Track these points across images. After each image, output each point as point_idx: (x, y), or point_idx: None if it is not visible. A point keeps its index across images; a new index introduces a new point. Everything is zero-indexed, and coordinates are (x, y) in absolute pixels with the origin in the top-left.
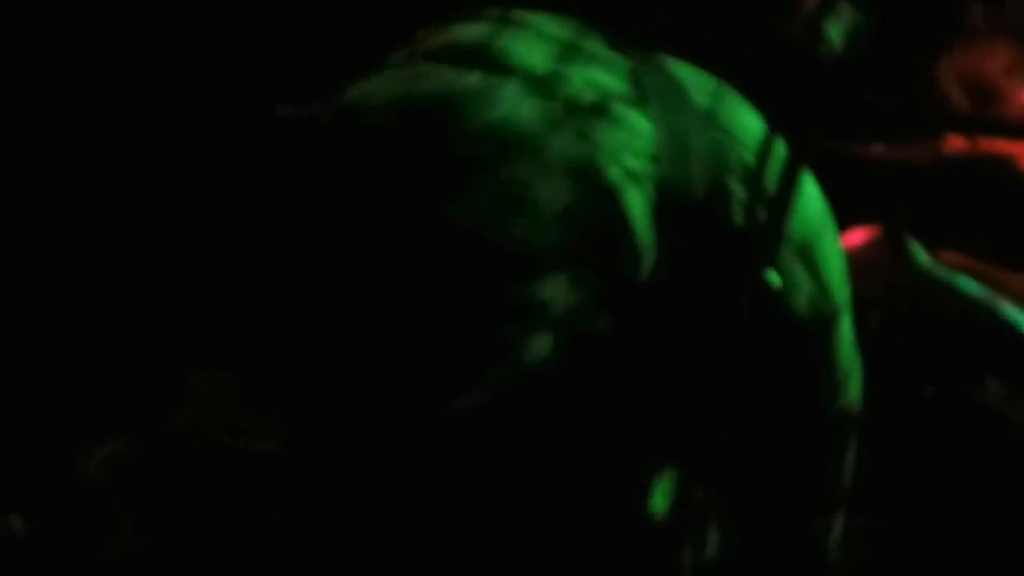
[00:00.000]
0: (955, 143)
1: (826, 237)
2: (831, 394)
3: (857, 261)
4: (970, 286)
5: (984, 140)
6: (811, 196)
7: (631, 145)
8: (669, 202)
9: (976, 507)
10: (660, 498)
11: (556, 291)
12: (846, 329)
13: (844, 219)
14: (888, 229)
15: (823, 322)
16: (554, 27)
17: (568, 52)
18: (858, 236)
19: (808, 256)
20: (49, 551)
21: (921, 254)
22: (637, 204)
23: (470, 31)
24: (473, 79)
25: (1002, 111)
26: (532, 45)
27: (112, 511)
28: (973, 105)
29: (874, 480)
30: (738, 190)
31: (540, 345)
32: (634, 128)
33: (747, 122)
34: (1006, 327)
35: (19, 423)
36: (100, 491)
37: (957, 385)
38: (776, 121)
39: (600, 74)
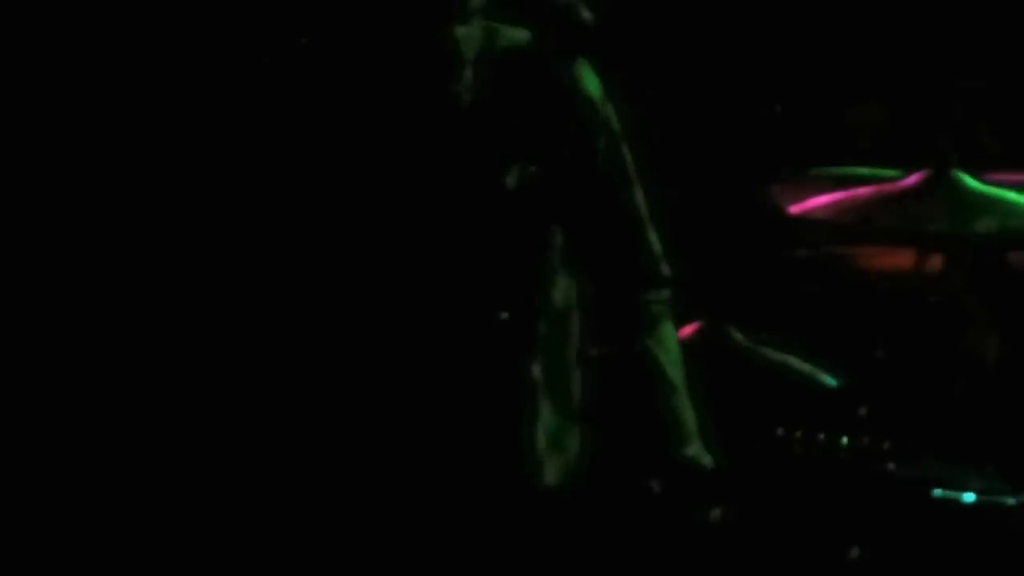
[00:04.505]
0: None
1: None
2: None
3: (689, 344)
4: (775, 355)
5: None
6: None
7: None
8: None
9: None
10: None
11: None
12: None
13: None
14: (707, 322)
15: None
16: None
17: None
18: (687, 329)
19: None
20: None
21: (737, 335)
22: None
23: None
24: None
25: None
26: None
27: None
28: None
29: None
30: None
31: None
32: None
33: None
34: (805, 378)
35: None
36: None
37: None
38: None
39: None
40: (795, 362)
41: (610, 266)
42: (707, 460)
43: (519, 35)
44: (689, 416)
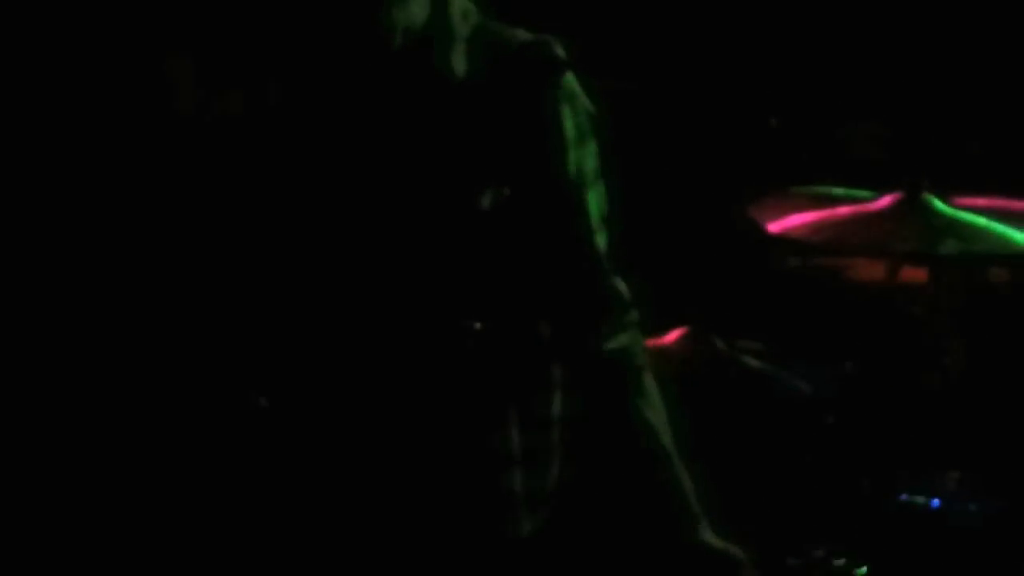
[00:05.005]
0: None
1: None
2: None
3: (672, 352)
4: (753, 363)
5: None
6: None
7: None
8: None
9: None
10: None
11: None
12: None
13: (667, 324)
14: (692, 329)
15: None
16: None
17: None
18: (673, 335)
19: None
20: None
21: (718, 343)
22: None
23: None
24: None
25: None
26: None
27: None
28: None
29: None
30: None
31: None
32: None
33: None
34: (780, 386)
35: None
36: None
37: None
38: None
39: None
40: (772, 369)
41: (573, 306)
42: (730, 549)
43: (513, 36)
44: (690, 489)
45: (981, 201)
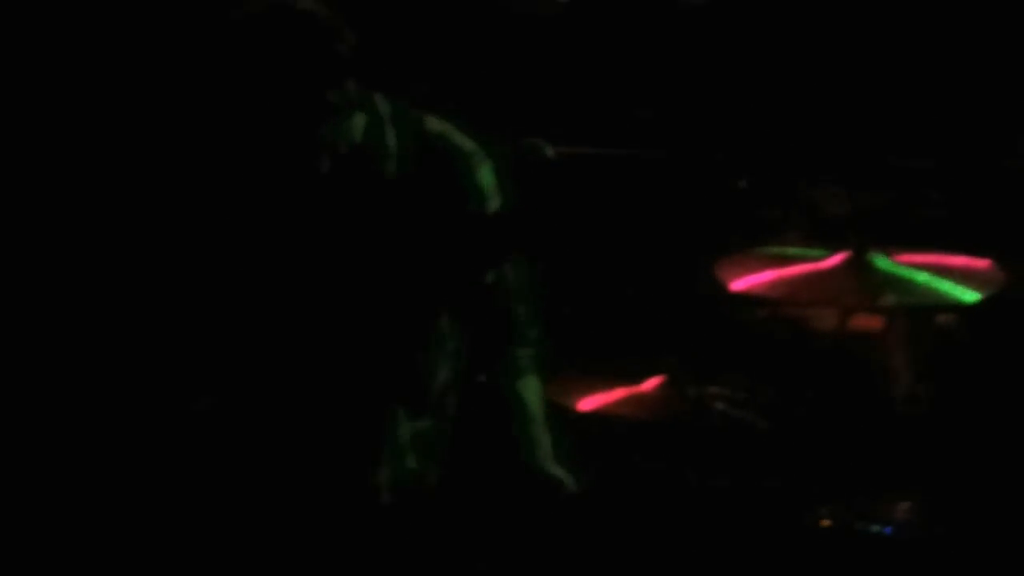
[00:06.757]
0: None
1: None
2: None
3: (650, 397)
4: (722, 404)
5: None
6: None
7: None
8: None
9: None
10: None
11: None
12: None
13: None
14: (667, 377)
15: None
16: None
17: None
18: (651, 383)
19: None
20: None
21: (693, 387)
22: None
23: None
24: None
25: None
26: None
27: None
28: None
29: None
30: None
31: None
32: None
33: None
34: (748, 424)
35: None
36: None
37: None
38: None
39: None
40: (737, 411)
41: (487, 328)
42: (568, 480)
43: (437, 126)
44: (545, 441)
45: (920, 258)
